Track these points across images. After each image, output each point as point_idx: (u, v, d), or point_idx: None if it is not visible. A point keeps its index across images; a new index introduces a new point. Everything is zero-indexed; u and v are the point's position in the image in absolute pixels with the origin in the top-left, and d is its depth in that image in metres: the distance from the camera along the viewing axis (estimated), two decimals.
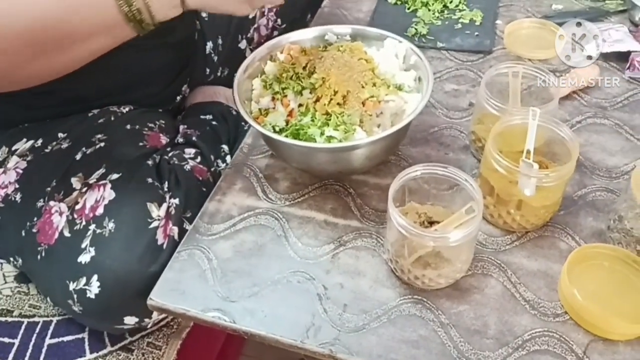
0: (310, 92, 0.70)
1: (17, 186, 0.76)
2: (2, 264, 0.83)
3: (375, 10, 1.02)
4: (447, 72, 0.89)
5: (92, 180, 0.73)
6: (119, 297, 0.68)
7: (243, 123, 0.92)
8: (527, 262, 0.64)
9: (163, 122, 0.87)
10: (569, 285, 0.58)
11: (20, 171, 0.77)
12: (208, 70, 1.01)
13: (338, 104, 0.68)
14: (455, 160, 0.75)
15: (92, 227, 0.69)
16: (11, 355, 0.74)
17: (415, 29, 0.96)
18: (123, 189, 0.71)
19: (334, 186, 0.73)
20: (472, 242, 0.61)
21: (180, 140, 0.87)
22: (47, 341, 0.76)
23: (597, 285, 0.60)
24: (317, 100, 0.69)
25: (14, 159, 0.78)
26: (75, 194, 0.72)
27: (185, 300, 0.62)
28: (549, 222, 0.67)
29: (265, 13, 1.05)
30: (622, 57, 0.86)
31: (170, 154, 0.82)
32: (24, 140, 0.80)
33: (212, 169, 0.84)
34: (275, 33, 1.07)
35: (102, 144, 0.77)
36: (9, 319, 0.78)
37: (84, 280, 0.68)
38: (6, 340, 0.76)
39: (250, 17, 1.02)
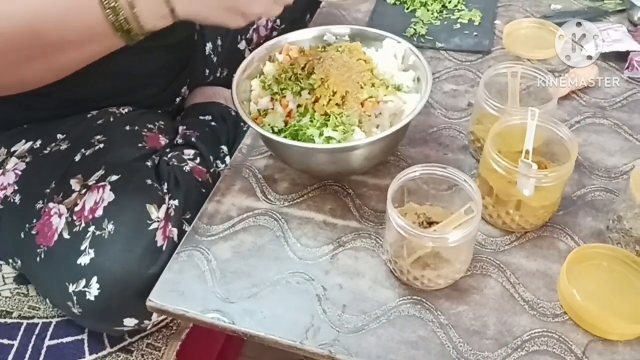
0: (309, 93, 0.70)
1: (16, 188, 0.76)
2: (1, 265, 0.83)
3: (373, 10, 1.02)
4: (446, 72, 0.89)
5: (91, 182, 0.73)
6: (118, 299, 0.68)
7: (242, 124, 0.92)
8: (526, 263, 0.64)
9: (162, 123, 0.87)
10: (568, 285, 0.58)
11: (19, 173, 0.77)
12: (207, 71, 1.01)
13: (337, 104, 0.68)
14: (454, 161, 0.75)
15: (92, 228, 0.69)
16: (10, 357, 0.74)
17: (414, 29, 0.96)
18: (122, 190, 0.71)
19: (333, 187, 0.73)
20: (471, 243, 0.61)
21: (180, 141, 0.87)
22: (47, 342, 0.76)
23: (596, 285, 0.60)
24: (316, 100, 0.69)
25: (13, 161, 0.78)
26: (74, 195, 0.72)
27: (185, 302, 0.62)
28: (548, 222, 0.67)
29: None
30: (620, 57, 0.86)
31: (169, 155, 0.81)
32: (23, 141, 0.80)
33: (212, 170, 0.83)
34: (275, 33, 1.07)
35: (101, 145, 0.77)
36: (8, 321, 0.78)
37: (83, 282, 0.68)
38: (5, 341, 0.75)
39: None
